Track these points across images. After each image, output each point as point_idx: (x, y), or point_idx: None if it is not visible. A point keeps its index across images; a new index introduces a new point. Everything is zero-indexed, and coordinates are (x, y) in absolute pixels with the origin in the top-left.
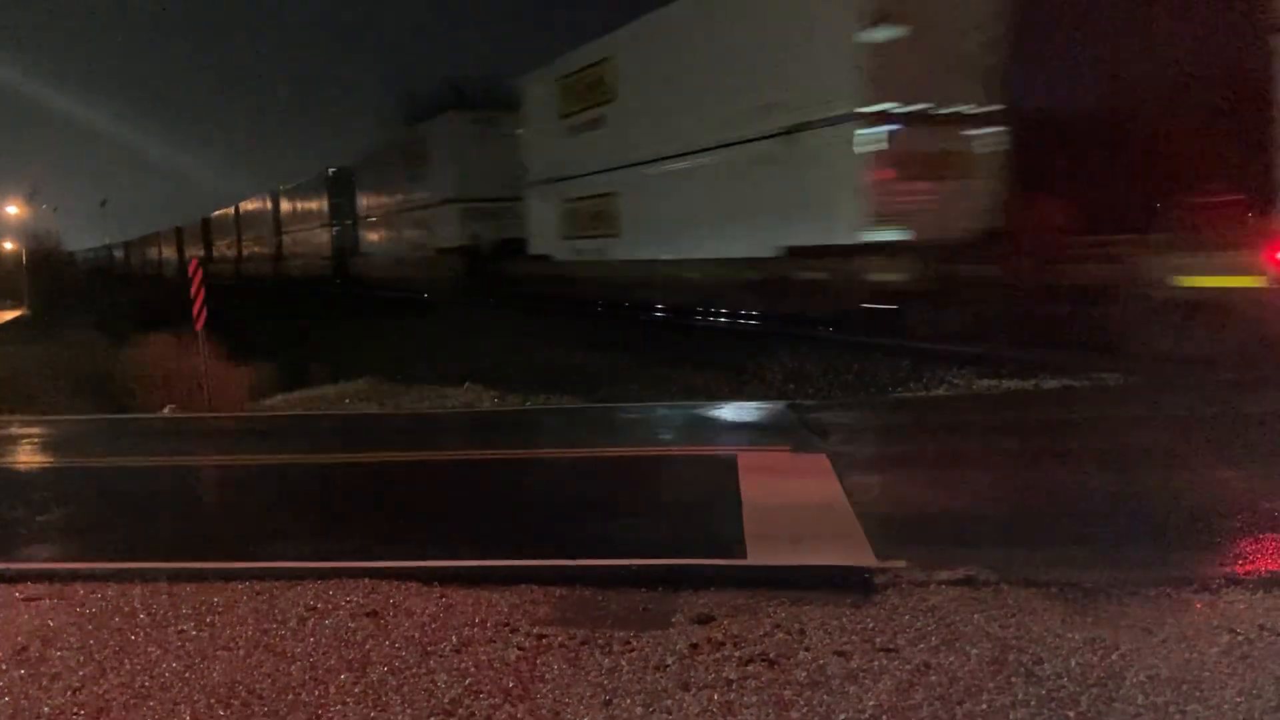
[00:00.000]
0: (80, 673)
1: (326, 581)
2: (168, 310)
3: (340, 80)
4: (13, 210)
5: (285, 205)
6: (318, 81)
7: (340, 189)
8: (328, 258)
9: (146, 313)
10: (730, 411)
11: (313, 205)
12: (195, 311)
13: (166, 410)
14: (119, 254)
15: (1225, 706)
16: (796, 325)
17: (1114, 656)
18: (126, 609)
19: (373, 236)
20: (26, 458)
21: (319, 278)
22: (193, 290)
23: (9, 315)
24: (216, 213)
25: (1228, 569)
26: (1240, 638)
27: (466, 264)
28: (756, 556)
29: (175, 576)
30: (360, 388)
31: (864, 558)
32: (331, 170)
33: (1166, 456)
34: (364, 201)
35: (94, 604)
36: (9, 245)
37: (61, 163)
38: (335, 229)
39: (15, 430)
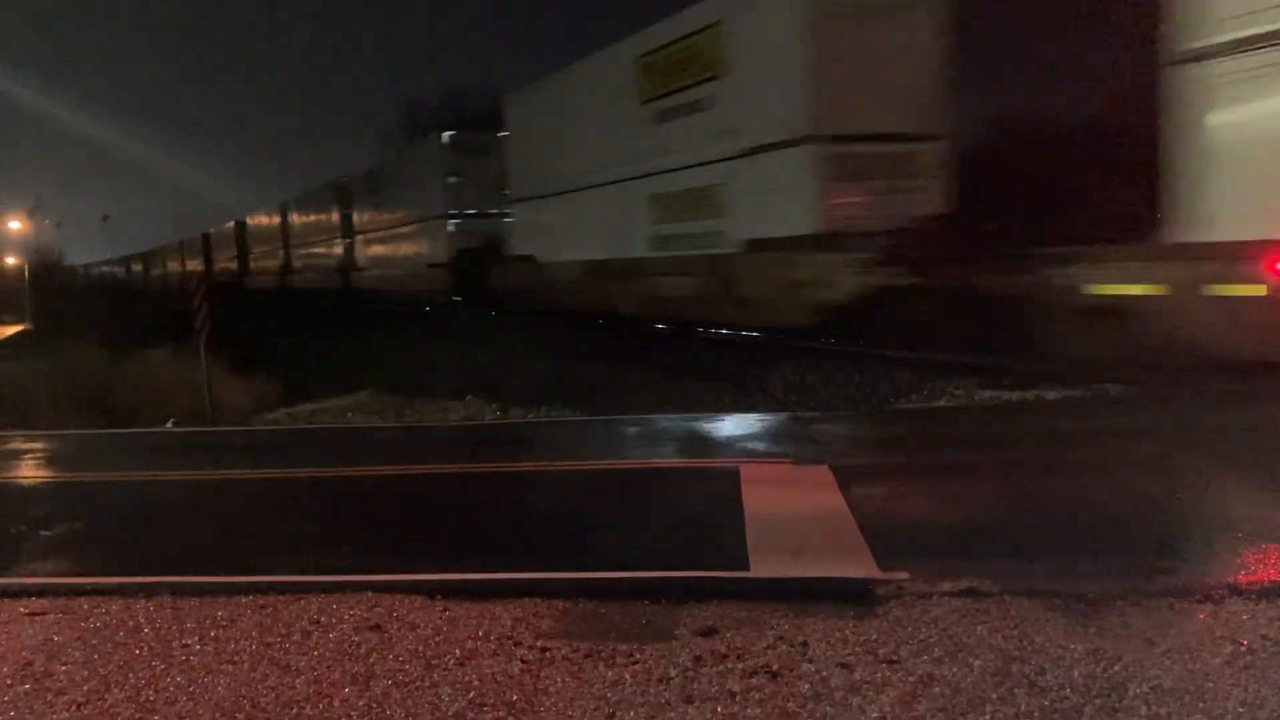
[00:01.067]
0: (85, 687)
1: (330, 595)
2: (175, 324)
3: (352, 93)
4: (15, 225)
5: (360, 201)
6: (327, 95)
7: (464, 161)
8: (439, 264)
9: (153, 327)
10: (732, 424)
11: (405, 200)
12: (198, 325)
13: (169, 424)
14: (136, 267)
15: (1228, 717)
16: (798, 337)
17: (1117, 667)
18: (130, 623)
19: (542, 234)
20: (29, 473)
21: (418, 294)
22: (196, 304)
23: (11, 330)
24: (252, 219)
25: (1230, 579)
26: (1243, 648)
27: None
28: (759, 569)
29: (179, 591)
30: (363, 401)
31: (867, 569)
32: (448, 136)
33: (1168, 466)
34: (526, 174)
35: (98, 619)
36: (11, 260)
37: (64, 176)
38: (455, 224)
39: (18, 445)
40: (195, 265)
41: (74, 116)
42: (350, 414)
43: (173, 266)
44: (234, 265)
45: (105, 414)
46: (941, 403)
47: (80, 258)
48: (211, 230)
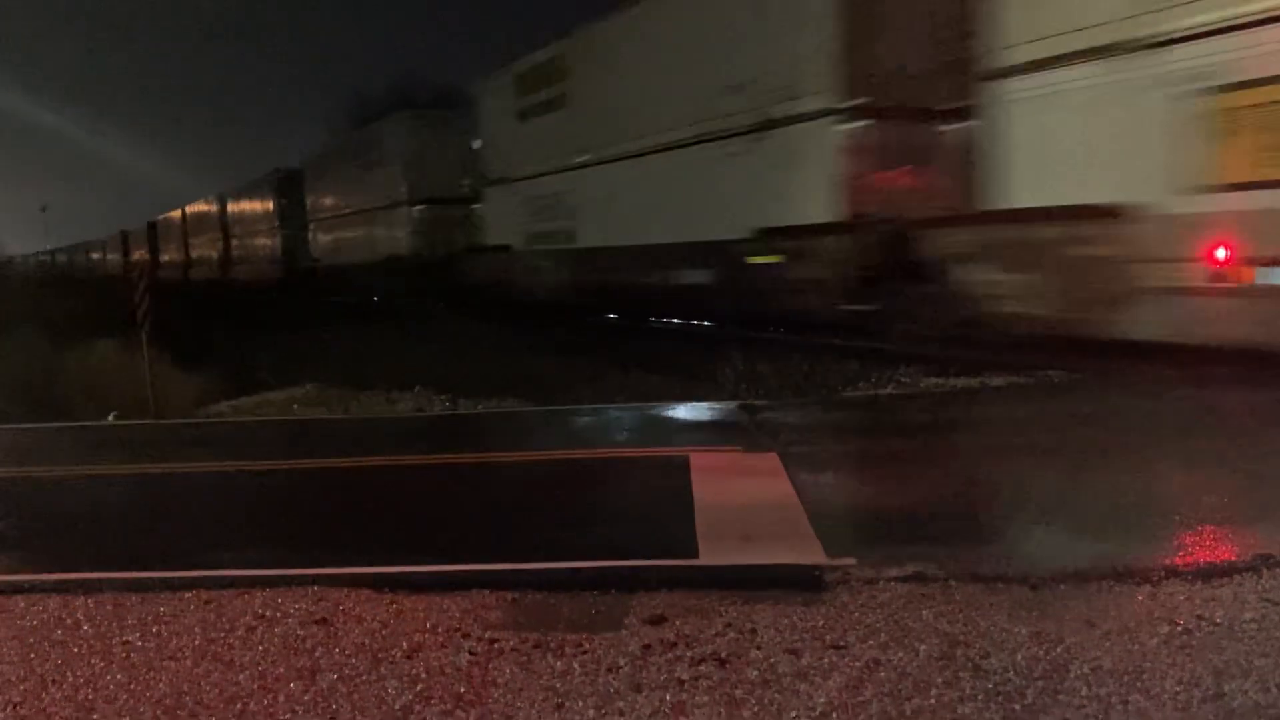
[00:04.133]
0: (21, 687)
1: (275, 589)
2: (116, 316)
3: (289, 83)
4: None
5: (314, 187)
6: (265, 84)
7: (427, 143)
8: (395, 257)
9: (94, 318)
10: (682, 413)
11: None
12: (139, 317)
13: (110, 418)
14: (96, 255)
15: (1165, 696)
16: (748, 327)
17: (1058, 650)
18: (69, 621)
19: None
20: None
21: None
22: (137, 295)
23: None
24: (194, 207)
25: (1167, 561)
26: (1180, 628)
27: None
28: (708, 557)
29: (120, 587)
30: (308, 393)
31: (814, 556)
32: (409, 114)
33: (1107, 451)
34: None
35: (35, 617)
36: None
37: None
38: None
39: None
40: (143, 254)
41: (6, 100)
42: (296, 406)
43: (114, 256)
44: (179, 257)
45: (44, 407)
46: (888, 390)
47: (19, 248)
48: (159, 218)
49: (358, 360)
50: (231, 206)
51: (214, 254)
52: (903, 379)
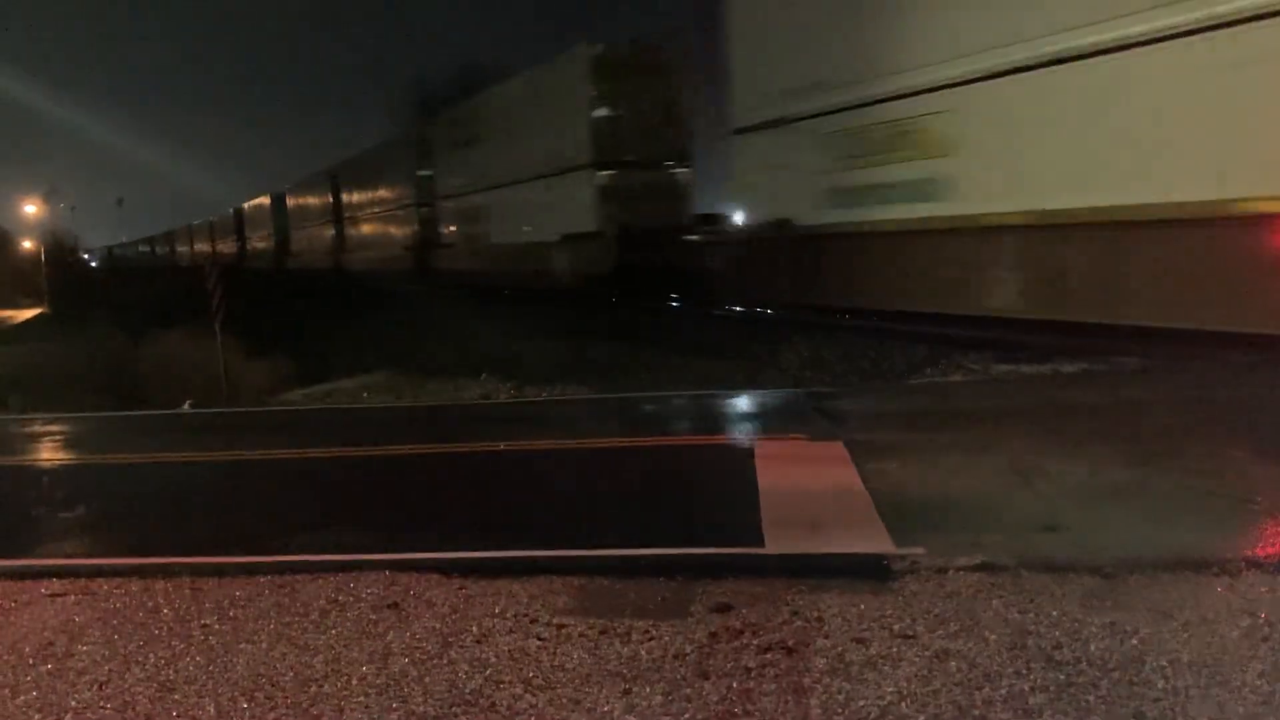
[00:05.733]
0: (106, 667)
1: (347, 574)
2: (194, 306)
3: (349, 76)
4: (32, 210)
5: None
6: (324, 79)
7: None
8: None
9: (171, 309)
10: (747, 400)
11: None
12: (213, 306)
13: (186, 406)
14: (202, 246)
15: (1246, 690)
16: (812, 313)
17: (1133, 641)
18: (150, 604)
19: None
20: (47, 455)
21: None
22: (210, 286)
23: (29, 314)
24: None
25: (1247, 552)
26: (1261, 620)
27: None
28: (774, 545)
29: (197, 571)
30: (377, 380)
31: (882, 545)
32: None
33: (1184, 440)
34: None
35: (118, 599)
36: (29, 244)
37: (75, 163)
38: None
39: (36, 428)
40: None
41: (86, 101)
42: (366, 394)
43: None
44: (325, 241)
45: (122, 396)
46: (957, 377)
47: (96, 241)
48: (286, 192)
49: (425, 347)
50: (435, 157)
51: (397, 239)
52: (972, 366)
